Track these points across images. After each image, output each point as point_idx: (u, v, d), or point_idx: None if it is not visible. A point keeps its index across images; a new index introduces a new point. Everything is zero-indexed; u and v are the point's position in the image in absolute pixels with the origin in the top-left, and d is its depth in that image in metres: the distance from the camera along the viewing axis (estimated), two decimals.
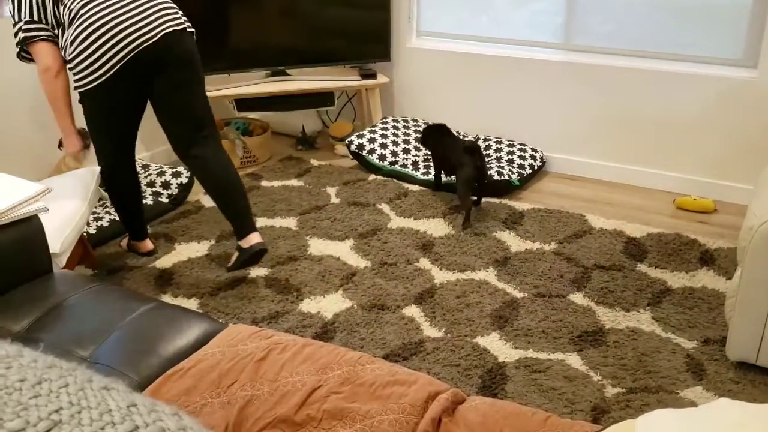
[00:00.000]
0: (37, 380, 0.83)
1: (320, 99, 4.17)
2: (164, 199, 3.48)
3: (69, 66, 2.61)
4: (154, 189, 3.52)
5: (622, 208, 3.61)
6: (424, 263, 3.02)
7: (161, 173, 3.58)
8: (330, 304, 2.72)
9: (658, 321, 2.61)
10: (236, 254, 2.83)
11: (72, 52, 2.54)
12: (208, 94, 3.87)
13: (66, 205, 2.53)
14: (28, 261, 1.94)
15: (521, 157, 3.88)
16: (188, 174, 3.60)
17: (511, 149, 3.95)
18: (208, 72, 4.04)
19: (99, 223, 3.18)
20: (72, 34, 2.52)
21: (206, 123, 2.76)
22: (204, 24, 3.95)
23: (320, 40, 4.22)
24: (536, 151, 3.99)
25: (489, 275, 2.92)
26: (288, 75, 4.19)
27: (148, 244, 3.07)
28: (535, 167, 3.91)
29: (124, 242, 3.11)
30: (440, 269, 2.97)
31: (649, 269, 2.96)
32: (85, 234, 2.92)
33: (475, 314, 2.64)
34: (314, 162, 4.20)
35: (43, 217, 2.00)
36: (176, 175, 3.57)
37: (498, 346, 2.46)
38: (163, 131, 2.77)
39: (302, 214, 3.48)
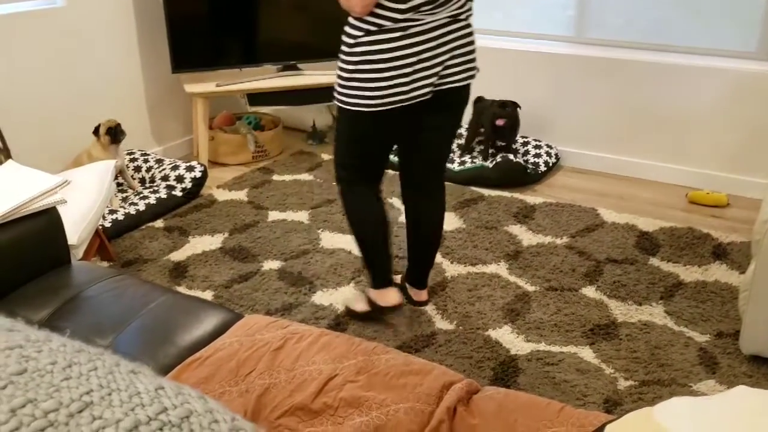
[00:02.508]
0: (67, 363, 0.85)
1: (331, 93, 4.16)
2: (178, 193, 3.50)
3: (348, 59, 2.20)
4: (167, 183, 3.55)
5: (635, 202, 3.61)
6: (435, 256, 3.03)
7: (175, 167, 3.61)
8: (342, 297, 2.73)
9: (670, 314, 2.61)
10: (398, 291, 2.54)
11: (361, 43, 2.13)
12: (221, 88, 3.91)
13: (83, 198, 2.56)
14: (47, 252, 1.97)
15: (536, 155, 3.88)
16: (201, 168, 3.62)
17: (525, 146, 3.95)
18: (221, 66, 4.07)
19: (114, 216, 3.20)
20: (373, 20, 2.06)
21: (442, 170, 2.48)
22: (216, 19, 3.97)
23: (330, 35, 4.21)
24: (551, 147, 3.98)
25: (500, 269, 2.93)
26: (299, 70, 4.20)
27: (390, 296, 2.49)
28: (550, 164, 3.91)
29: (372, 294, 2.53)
30: (451, 263, 2.98)
31: (661, 263, 2.96)
32: (100, 227, 2.95)
33: (487, 307, 2.66)
34: (325, 156, 4.21)
35: (60, 210, 2.03)
36: (190, 169, 3.59)
37: (510, 339, 2.47)
38: (399, 161, 2.50)
39: (314, 208, 3.50)
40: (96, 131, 3.40)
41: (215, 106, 4.37)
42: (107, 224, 3.14)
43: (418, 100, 2.15)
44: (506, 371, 2.30)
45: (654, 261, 2.98)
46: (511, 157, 3.76)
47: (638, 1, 3.74)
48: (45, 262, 1.96)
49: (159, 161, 3.70)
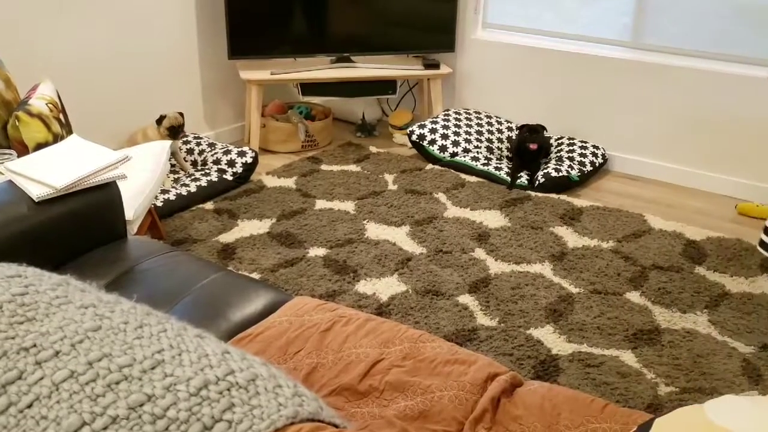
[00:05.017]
0: (138, 324, 0.90)
1: (383, 87, 4.21)
2: (228, 177, 3.57)
3: None
4: (219, 167, 3.62)
5: (683, 211, 3.56)
6: (480, 253, 3.04)
7: (227, 152, 3.67)
8: (385, 287, 2.76)
9: (714, 324, 2.58)
10: None
11: None
12: (275, 76, 3.97)
13: (139, 176, 2.63)
14: (106, 225, 2.04)
15: (582, 155, 3.86)
16: (253, 154, 3.68)
17: (571, 147, 3.93)
18: (276, 55, 4.13)
19: (166, 196, 3.28)
20: None
21: None
22: (273, 8, 4.03)
23: (386, 29, 4.26)
24: (597, 148, 3.96)
25: (545, 269, 2.93)
26: (352, 62, 4.24)
27: None
28: (596, 164, 3.88)
29: None
30: (495, 260, 2.99)
31: (707, 272, 2.93)
32: (152, 205, 3.03)
33: (530, 306, 2.66)
34: (373, 149, 4.24)
35: (119, 185, 2.09)
36: (242, 154, 3.66)
37: (552, 339, 2.47)
38: None
39: (360, 199, 3.54)
40: (159, 121, 3.50)
41: (267, 94, 4.44)
42: (159, 203, 3.21)
43: None
44: (547, 370, 2.31)
45: (700, 270, 2.95)
46: (554, 173, 3.70)
47: (697, 10, 3.69)
48: (103, 234, 2.03)
49: (211, 145, 3.77)
